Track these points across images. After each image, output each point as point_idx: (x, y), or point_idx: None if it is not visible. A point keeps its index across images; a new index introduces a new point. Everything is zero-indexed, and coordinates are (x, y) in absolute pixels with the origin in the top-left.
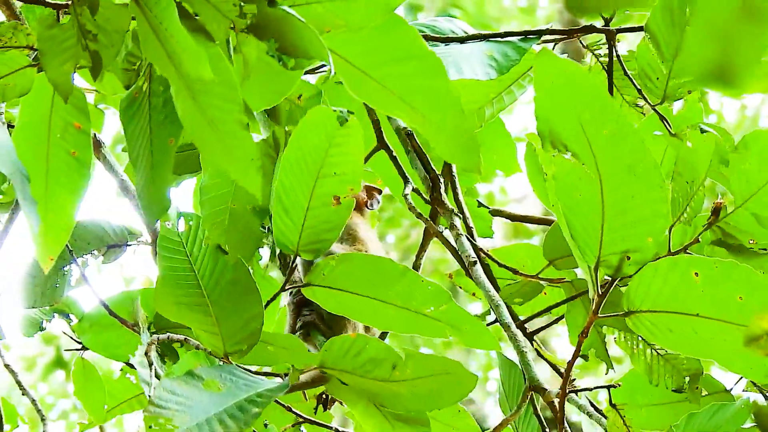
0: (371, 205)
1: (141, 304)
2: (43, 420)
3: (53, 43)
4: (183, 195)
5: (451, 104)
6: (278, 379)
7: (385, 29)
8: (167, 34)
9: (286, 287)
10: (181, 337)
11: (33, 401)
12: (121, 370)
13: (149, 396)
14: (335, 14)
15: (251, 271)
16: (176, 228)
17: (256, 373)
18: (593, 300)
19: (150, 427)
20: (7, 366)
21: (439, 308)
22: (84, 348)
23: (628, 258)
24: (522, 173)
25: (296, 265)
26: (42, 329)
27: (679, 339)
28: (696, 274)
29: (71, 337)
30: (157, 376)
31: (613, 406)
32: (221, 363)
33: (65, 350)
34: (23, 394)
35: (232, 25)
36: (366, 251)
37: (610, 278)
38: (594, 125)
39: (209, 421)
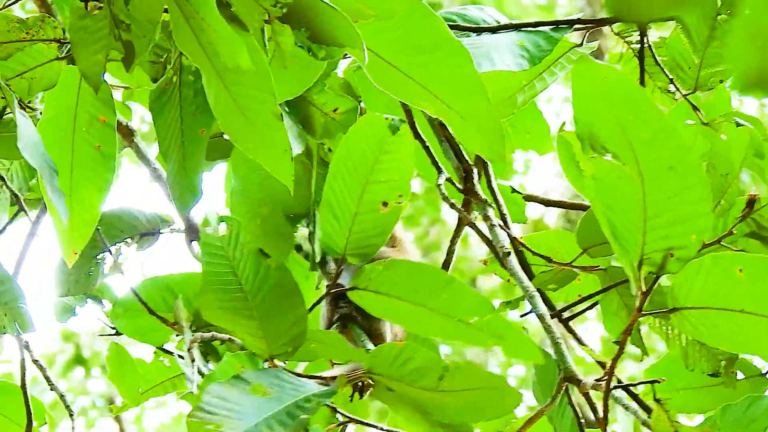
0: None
1: (176, 289)
2: (71, 415)
3: (85, 33)
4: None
5: (477, 94)
6: (323, 383)
7: (411, 19)
8: (204, 23)
9: (331, 291)
10: (226, 336)
11: (61, 396)
12: (155, 353)
13: (194, 392)
14: (365, 3)
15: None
16: (217, 232)
17: (302, 376)
18: (637, 297)
19: None
20: (35, 361)
21: (483, 318)
22: (117, 333)
23: (672, 255)
24: (542, 171)
25: (342, 269)
26: (75, 314)
27: (725, 335)
28: (740, 270)
29: (105, 323)
30: (200, 374)
31: (657, 401)
32: (265, 365)
33: (99, 335)
34: (51, 389)
35: (266, 14)
36: (404, 252)
37: (653, 275)
38: (635, 127)
39: (258, 427)
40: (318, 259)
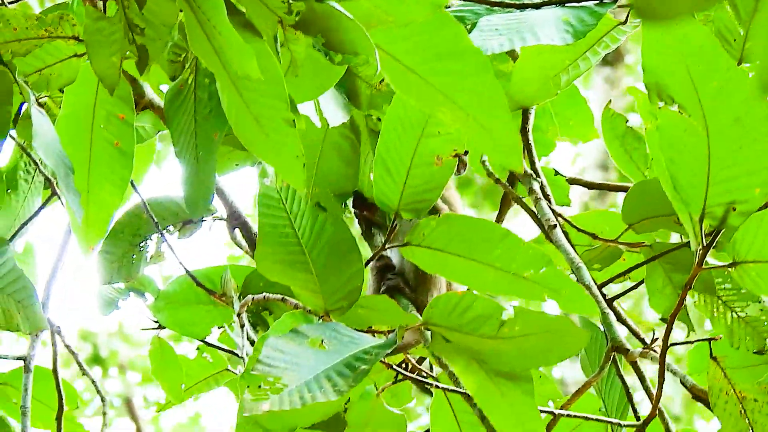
0: (459, 171)
1: (216, 280)
2: (103, 400)
3: (100, 35)
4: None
5: (497, 104)
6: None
7: (432, 26)
8: (215, 31)
9: (386, 246)
10: (278, 296)
11: (93, 382)
12: (198, 348)
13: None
14: (382, 9)
15: None
16: (274, 184)
17: (358, 330)
18: (697, 252)
19: (259, 386)
20: (68, 347)
21: (538, 271)
22: (160, 327)
23: (734, 209)
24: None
25: (396, 224)
26: (118, 308)
27: None
28: None
29: (147, 317)
30: (250, 341)
31: (713, 359)
32: (321, 321)
33: (141, 329)
34: (83, 374)
35: (279, 21)
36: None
37: (715, 229)
38: (704, 77)
39: (318, 378)
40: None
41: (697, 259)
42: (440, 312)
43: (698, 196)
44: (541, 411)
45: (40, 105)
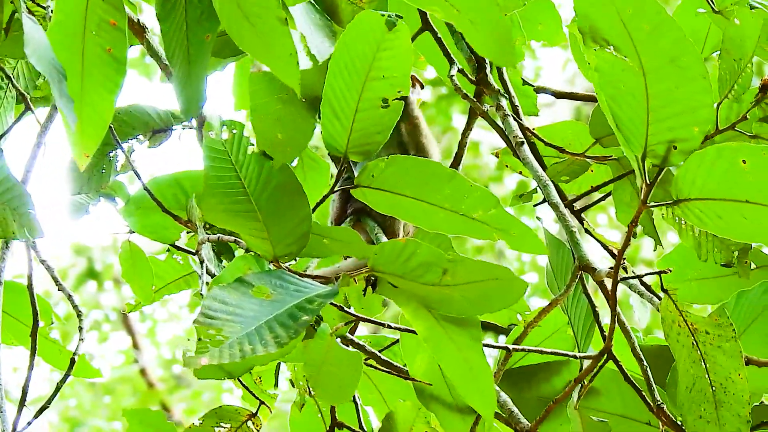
0: (416, 93)
1: (187, 187)
2: (79, 316)
3: None
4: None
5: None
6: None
7: None
8: None
9: (335, 189)
10: (232, 238)
11: (69, 297)
12: (168, 251)
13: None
14: None
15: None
16: (220, 136)
17: (308, 276)
18: (641, 189)
19: (200, 339)
20: (42, 262)
21: (487, 213)
22: (131, 232)
23: (675, 147)
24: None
25: (344, 168)
26: (87, 213)
27: (729, 225)
28: (743, 161)
29: (118, 221)
30: (211, 275)
31: (664, 291)
32: (271, 267)
33: (112, 234)
34: (59, 290)
35: None
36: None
37: (657, 167)
38: (635, 20)
39: (259, 329)
40: None
41: (642, 197)
42: (386, 259)
43: (639, 134)
44: (495, 346)
45: (31, 13)
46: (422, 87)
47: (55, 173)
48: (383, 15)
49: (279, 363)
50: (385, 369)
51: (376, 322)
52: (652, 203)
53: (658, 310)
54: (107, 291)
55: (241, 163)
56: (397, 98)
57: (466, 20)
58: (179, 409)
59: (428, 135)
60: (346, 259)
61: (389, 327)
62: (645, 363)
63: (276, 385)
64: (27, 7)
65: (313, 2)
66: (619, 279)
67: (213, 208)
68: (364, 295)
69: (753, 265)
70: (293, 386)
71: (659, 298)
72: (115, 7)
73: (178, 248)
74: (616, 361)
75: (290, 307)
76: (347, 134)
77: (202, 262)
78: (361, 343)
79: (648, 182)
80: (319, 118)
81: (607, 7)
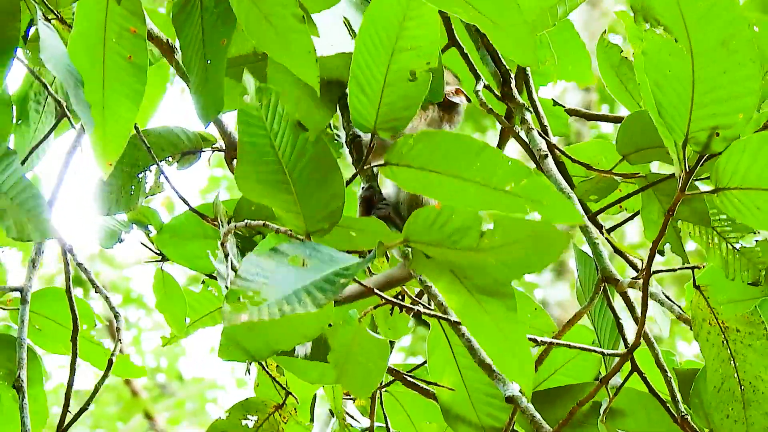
0: (461, 100)
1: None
2: (116, 316)
3: None
4: None
5: (509, 3)
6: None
7: None
8: None
9: (365, 166)
10: (260, 222)
11: (106, 298)
12: (203, 282)
13: (227, 286)
14: None
15: None
16: (255, 101)
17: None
18: (680, 177)
19: (238, 299)
20: (79, 265)
21: (519, 184)
22: (164, 259)
23: (717, 135)
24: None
25: (374, 144)
26: (120, 241)
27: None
28: None
29: (150, 249)
30: (233, 269)
31: (696, 287)
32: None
33: (145, 262)
34: (96, 292)
35: None
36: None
37: (698, 155)
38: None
39: (297, 293)
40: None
41: (680, 185)
42: (420, 227)
43: (682, 120)
44: (530, 339)
45: (48, 21)
46: (468, 101)
47: (84, 192)
48: None
49: (315, 395)
50: (412, 384)
51: (406, 306)
52: (690, 192)
53: (678, 318)
54: (93, 299)
55: (276, 131)
56: (425, 70)
57: (488, 21)
58: (163, 418)
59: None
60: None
61: (419, 312)
62: (669, 374)
63: (311, 420)
64: (43, 14)
65: None
66: (651, 273)
67: (246, 176)
68: (391, 314)
69: None
70: (332, 415)
71: (680, 307)
72: (135, 14)
73: (214, 278)
74: (638, 370)
75: (327, 273)
76: (375, 109)
77: (226, 255)
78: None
79: (687, 170)
80: (339, 99)
81: None
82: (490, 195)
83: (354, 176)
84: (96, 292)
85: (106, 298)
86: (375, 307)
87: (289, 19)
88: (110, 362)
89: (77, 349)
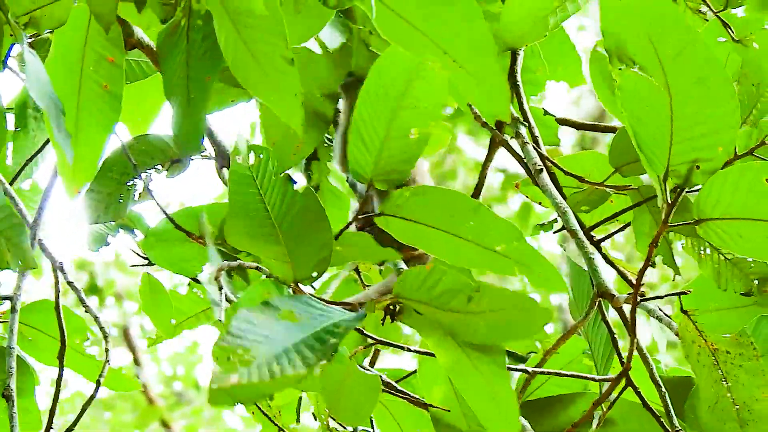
0: None
1: (207, 219)
2: (105, 336)
3: None
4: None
5: (485, 50)
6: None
7: None
8: None
9: (359, 216)
10: (254, 264)
11: (96, 318)
12: (189, 284)
13: (221, 319)
14: None
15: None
16: (246, 162)
17: (330, 302)
18: (663, 209)
19: (228, 358)
20: (70, 283)
21: (510, 246)
22: (150, 263)
23: (698, 167)
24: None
25: (371, 195)
26: (107, 244)
27: (751, 245)
28: (766, 180)
29: (137, 253)
30: (228, 300)
31: (684, 312)
32: (291, 290)
33: (131, 266)
34: (86, 311)
35: None
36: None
37: (679, 187)
38: (663, 40)
39: (287, 351)
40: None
41: (663, 217)
42: (410, 285)
43: (662, 154)
44: (516, 369)
45: (32, 47)
46: None
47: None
48: None
49: (300, 397)
50: (402, 396)
51: (397, 345)
52: (673, 224)
53: (677, 335)
54: (108, 307)
55: (266, 188)
56: (427, 129)
57: (463, 71)
58: (179, 426)
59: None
60: (366, 287)
61: (410, 350)
62: (663, 389)
63: (297, 420)
64: (28, 43)
65: None
66: (639, 300)
67: (236, 231)
68: (383, 324)
69: None
70: (315, 419)
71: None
72: (113, 43)
73: (199, 282)
74: (634, 387)
75: (318, 330)
76: (374, 161)
77: (220, 288)
78: (377, 373)
79: (669, 202)
80: (332, 117)
81: (636, 26)
82: (481, 253)
83: (347, 225)
84: (86, 311)
85: (96, 318)
86: (365, 347)
87: (277, 60)
88: (98, 382)
89: (63, 367)
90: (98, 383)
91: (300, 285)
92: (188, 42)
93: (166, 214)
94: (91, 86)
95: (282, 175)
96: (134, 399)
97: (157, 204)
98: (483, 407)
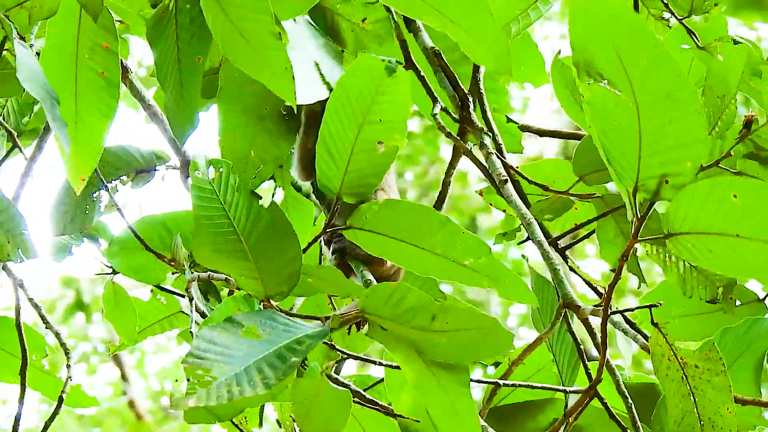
0: None
1: (172, 227)
2: (67, 353)
3: None
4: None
5: (480, 9)
6: (318, 323)
7: None
8: None
9: (327, 230)
10: (222, 276)
11: (57, 334)
12: (152, 291)
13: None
14: None
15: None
16: (206, 176)
17: (298, 316)
18: (632, 223)
19: (188, 379)
20: (30, 300)
21: (478, 260)
22: (114, 272)
23: (667, 182)
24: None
25: (338, 208)
26: (71, 254)
27: (720, 259)
28: (735, 195)
29: (101, 262)
30: (200, 313)
31: (654, 324)
32: (261, 306)
33: (96, 275)
34: (47, 328)
35: None
36: (390, 192)
37: (648, 201)
38: (631, 55)
39: (248, 370)
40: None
41: (632, 231)
42: (376, 301)
43: (631, 169)
44: (484, 381)
45: (22, 38)
46: None
47: (39, 213)
48: (383, 60)
49: (263, 405)
50: (371, 406)
51: (367, 359)
52: (643, 238)
53: (642, 348)
54: (96, 323)
55: (230, 202)
56: (393, 143)
57: (461, 30)
58: None
59: (391, 170)
60: (330, 298)
61: (379, 364)
62: (630, 400)
63: (260, 424)
64: (18, 34)
65: (314, 25)
66: (609, 313)
67: (203, 248)
68: (348, 333)
69: (738, 302)
70: (280, 426)
71: (643, 335)
72: (107, 29)
73: (163, 289)
74: (601, 399)
75: (279, 347)
76: (342, 174)
77: (191, 300)
78: (346, 382)
79: (639, 216)
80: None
81: (603, 40)
82: (449, 267)
83: (316, 239)
84: (47, 328)
85: (57, 334)
86: (337, 362)
87: (265, 36)
88: (61, 399)
89: (26, 383)
90: (60, 399)
91: (271, 301)
92: (177, 25)
93: (130, 227)
94: (87, 74)
95: (245, 188)
96: (122, 414)
97: (122, 216)
98: (445, 422)
